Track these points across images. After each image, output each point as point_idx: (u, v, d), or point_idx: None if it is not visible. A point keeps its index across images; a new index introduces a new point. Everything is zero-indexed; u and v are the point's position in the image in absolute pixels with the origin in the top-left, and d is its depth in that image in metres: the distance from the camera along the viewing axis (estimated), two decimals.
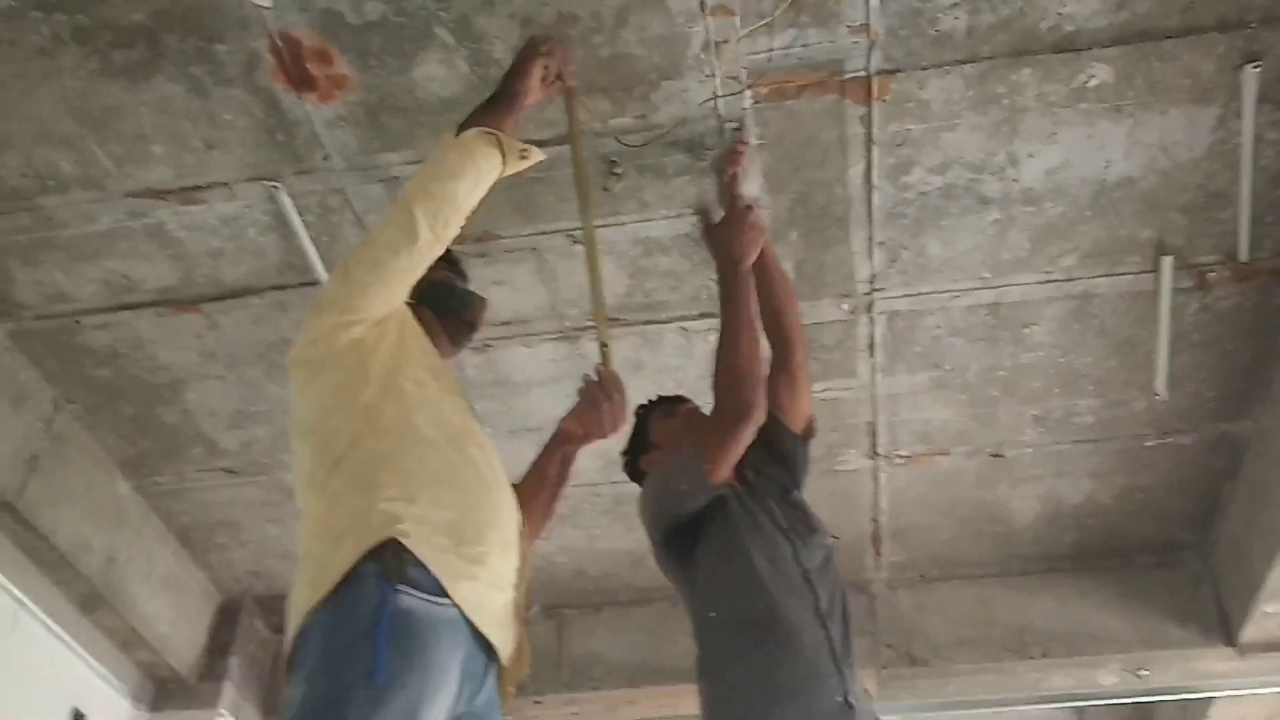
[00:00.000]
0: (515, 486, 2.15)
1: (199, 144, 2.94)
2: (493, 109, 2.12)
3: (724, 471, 2.28)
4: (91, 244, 3.22)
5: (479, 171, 2.01)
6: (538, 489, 2.29)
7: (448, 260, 2.19)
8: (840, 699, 2.11)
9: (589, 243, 2.48)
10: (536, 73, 2.23)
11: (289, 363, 2.04)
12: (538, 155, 2.13)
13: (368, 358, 1.95)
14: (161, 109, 2.87)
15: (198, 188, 3.06)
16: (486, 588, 1.86)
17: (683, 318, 3.53)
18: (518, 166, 2.09)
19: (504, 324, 3.51)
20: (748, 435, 2.26)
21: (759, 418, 2.27)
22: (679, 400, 2.67)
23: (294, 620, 1.81)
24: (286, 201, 3.07)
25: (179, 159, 2.98)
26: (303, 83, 2.78)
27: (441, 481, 1.90)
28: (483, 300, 2.30)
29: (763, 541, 2.30)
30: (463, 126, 2.06)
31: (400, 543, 1.78)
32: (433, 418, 1.96)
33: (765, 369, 2.44)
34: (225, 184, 3.05)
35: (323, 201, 3.10)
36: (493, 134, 2.03)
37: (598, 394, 2.28)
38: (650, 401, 2.72)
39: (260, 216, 3.14)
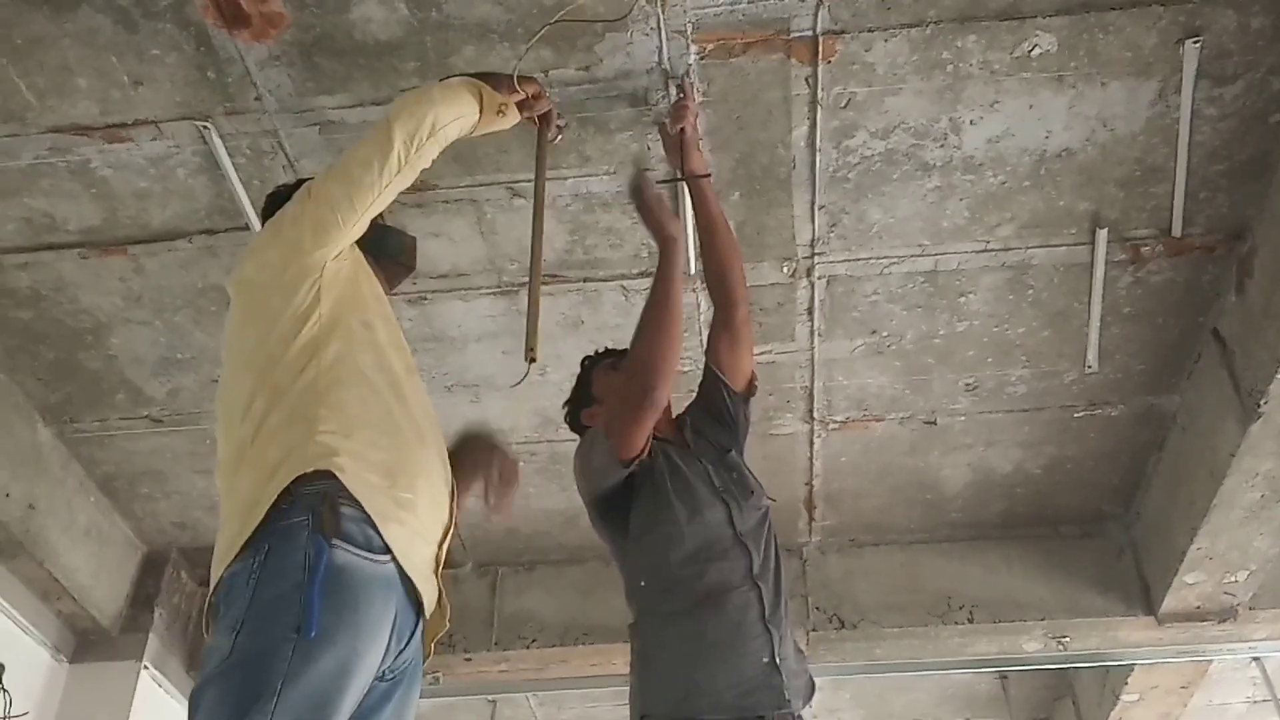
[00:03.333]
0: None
1: (126, 79, 2.84)
2: (477, 76, 2.16)
3: (631, 449, 2.27)
4: (12, 180, 3.11)
5: (458, 105, 2.04)
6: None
7: None
8: (767, 659, 2.13)
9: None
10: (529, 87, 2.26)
11: (231, 281, 1.99)
12: (514, 116, 2.12)
13: (321, 290, 1.92)
14: (87, 41, 2.77)
15: (124, 125, 2.96)
16: (413, 535, 1.84)
17: (623, 276, 3.50)
18: (492, 124, 2.09)
19: (441, 277, 3.46)
20: (648, 419, 2.25)
21: (659, 404, 2.27)
22: (625, 354, 2.63)
23: (222, 558, 1.76)
24: (217, 142, 2.98)
25: (105, 94, 2.88)
26: (235, 19, 2.70)
27: (378, 425, 1.88)
28: (413, 239, 2.28)
29: (693, 505, 2.29)
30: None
31: (336, 479, 1.75)
32: (376, 362, 1.94)
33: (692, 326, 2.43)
34: (153, 122, 2.95)
35: (254, 144, 3.01)
36: (475, 83, 2.08)
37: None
38: (596, 353, 2.70)
39: (189, 157, 3.05)
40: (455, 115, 2.02)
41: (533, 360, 2.20)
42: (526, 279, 3.43)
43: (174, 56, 2.80)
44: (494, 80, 2.22)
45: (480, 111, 2.07)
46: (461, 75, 2.19)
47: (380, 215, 2.18)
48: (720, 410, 2.52)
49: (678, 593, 2.21)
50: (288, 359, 1.86)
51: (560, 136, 2.47)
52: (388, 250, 2.16)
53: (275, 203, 2.13)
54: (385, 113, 2.01)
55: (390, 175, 1.96)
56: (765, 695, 2.08)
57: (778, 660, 2.14)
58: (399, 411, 1.92)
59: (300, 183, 2.18)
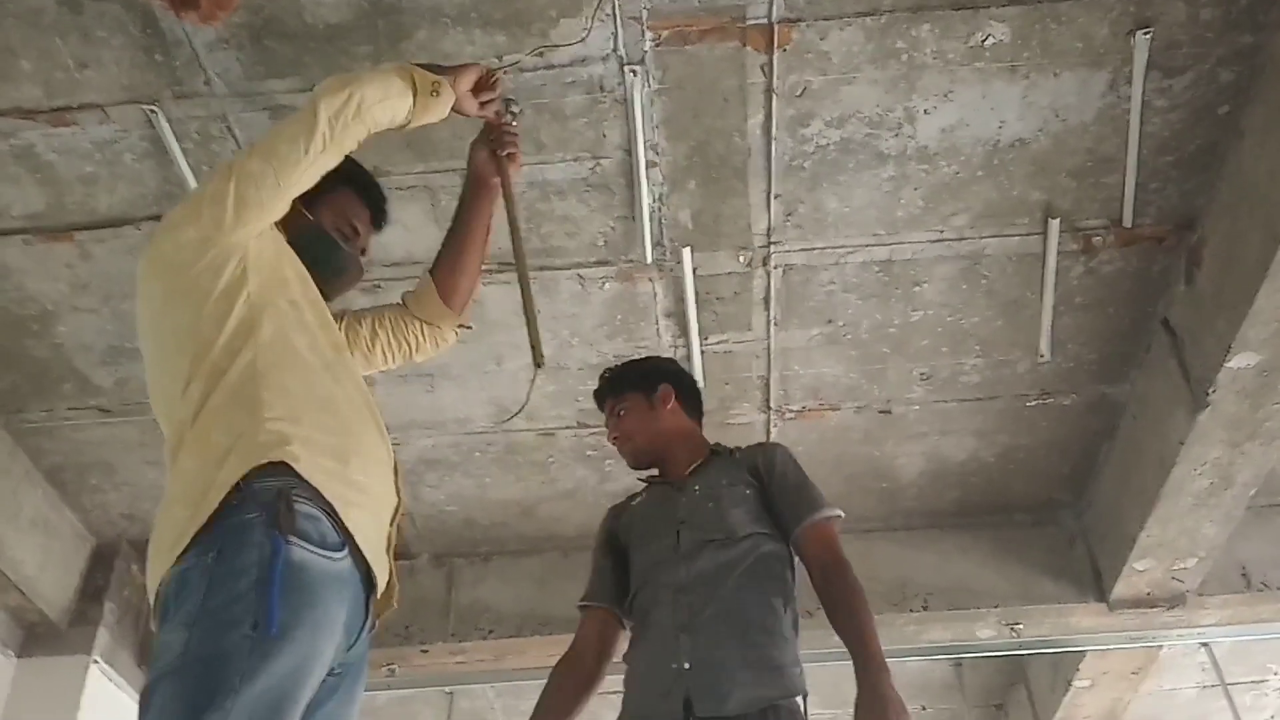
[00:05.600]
0: (438, 262, 2.30)
1: (70, 62, 2.79)
2: (421, 66, 2.12)
3: None
4: None
5: (387, 87, 1.99)
6: (465, 248, 2.32)
7: (375, 209, 2.15)
8: (675, 665, 2.15)
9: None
10: (470, 75, 2.18)
11: (146, 258, 1.94)
12: (448, 96, 2.08)
13: (248, 269, 1.88)
14: (30, 22, 2.71)
15: (69, 108, 2.91)
16: (369, 517, 1.83)
17: (579, 264, 3.49)
18: (429, 107, 2.05)
19: (394, 265, 3.42)
20: None
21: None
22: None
23: (169, 546, 1.72)
24: (165, 126, 2.93)
25: (49, 77, 2.83)
26: (183, 1, 2.64)
27: (322, 406, 1.86)
28: (360, 273, 2.21)
29: (643, 559, 2.38)
30: None
31: (290, 471, 1.72)
32: (310, 343, 1.91)
33: None
34: (99, 106, 2.90)
35: (203, 128, 2.97)
36: (406, 67, 2.04)
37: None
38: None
39: (136, 142, 3.00)
40: (382, 96, 1.99)
41: (540, 365, 2.17)
42: (484, 268, 3.45)
43: (120, 39, 2.75)
44: (433, 68, 2.17)
45: (414, 95, 2.03)
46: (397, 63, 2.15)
47: (345, 237, 2.14)
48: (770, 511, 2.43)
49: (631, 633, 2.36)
50: (222, 340, 1.83)
51: (515, 121, 2.44)
52: (325, 266, 2.10)
53: None
54: (312, 92, 1.98)
55: (315, 153, 1.93)
56: (668, 703, 2.11)
57: (688, 664, 2.14)
58: (337, 392, 1.91)
59: None
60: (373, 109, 1.96)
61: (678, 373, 2.68)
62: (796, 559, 2.38)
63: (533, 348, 2.16)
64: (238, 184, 1.88)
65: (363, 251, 2.21)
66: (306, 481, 1.73)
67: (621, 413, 2.55)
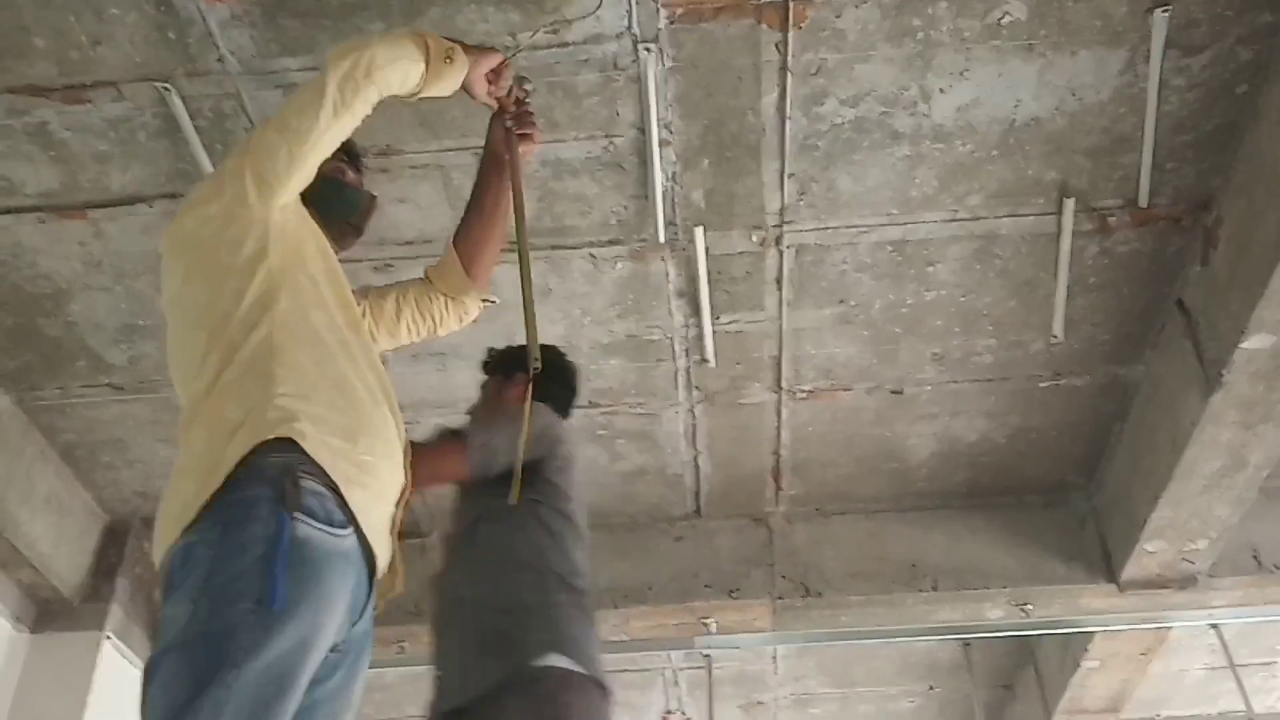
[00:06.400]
0: (459, 233, 2.28)
1: (84, 39, 2.79)
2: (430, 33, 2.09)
3: None
4: None
5: (397, 49, 1.96)
6: (484, 221, 2.29)
7: (344, 150, 2.13)
8: (434, 669, 2.34)
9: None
10: (490, 59, 2.16)
11: (169, 235, 1.94)
12: (462, 63, 2.05)
13: (269, 244, 1.88)
14: (44, 0, 2.70)
15: (83, 86, 2.90)
16: (374, 498, 1.83)
17: (591, 244, 3.48)
18: (441, 74, 2.02)
19: (406, 244, 3.43)
20: None
21: None
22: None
23: (175, 518, 1.73)
24: (178, 104, 2.93)
25: (63, 55, 2.82)
26: None
27: (334, 385, 1.86)
28: (372, 199, 2.22)
29: None
30: None
31: (297, 447, 1.72)
32: (327, 320, 1.91)
33: None
34: (112, 83, 2.90)
35: (216, 106, 2.97)
36: (419, 31, 2.01)
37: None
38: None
39: (150, 120, 3.00)
40: (393, 57, 1.95)
41: (538, 370, 2.18)
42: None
43: (133, 16, 2.74)
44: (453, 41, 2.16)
45: (426, 60, 2.00)
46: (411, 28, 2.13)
47: (341, 173, 2.14)
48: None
49: None
50: (239, 315, 1.83)
51: (527, 99, 2.42)
52: (336, 210, 2.10)
53: None
54: (323, 60, 1.97)
55: (328, 121, 1.91)
56: (430, 708, 2.25)
57: (437, 668, 2.29)
58: (351, 371, 1.90)
59: None
60: (384, 69, 1.93)
61: (550, 365, 2.67)
62: (556, 511, 2.42)
63: (528, 350, 2.17)
64: (254, 159, 1.88)
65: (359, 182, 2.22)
66: (312, 459, 1.74)
67: (481, 388, 2.71)
